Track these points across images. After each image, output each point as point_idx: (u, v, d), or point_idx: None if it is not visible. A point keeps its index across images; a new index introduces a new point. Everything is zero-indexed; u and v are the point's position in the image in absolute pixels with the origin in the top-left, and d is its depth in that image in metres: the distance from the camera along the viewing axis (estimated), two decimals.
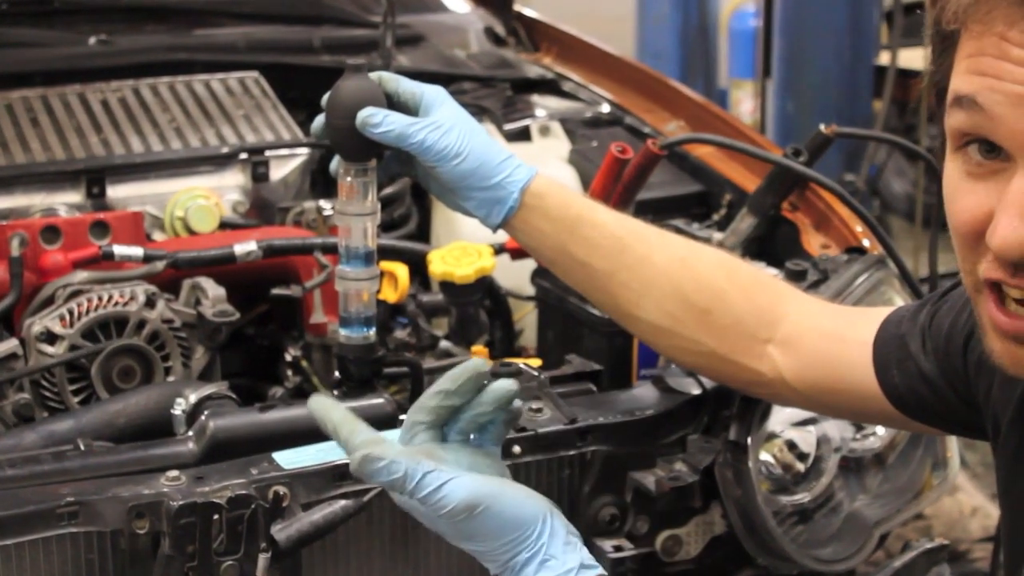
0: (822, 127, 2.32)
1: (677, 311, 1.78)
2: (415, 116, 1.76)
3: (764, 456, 1.99)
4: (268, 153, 2.45)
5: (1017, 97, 1.14)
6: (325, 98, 1.76)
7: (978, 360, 1.51)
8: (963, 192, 1.21)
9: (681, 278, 1.78)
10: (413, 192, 2.58)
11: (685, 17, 6.47)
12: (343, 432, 1.47)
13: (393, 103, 1.77)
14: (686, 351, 1.81)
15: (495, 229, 1.81)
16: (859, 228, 2.29)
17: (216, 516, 1.60)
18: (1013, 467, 1.41)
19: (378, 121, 1.72)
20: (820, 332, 1.73)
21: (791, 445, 2.02)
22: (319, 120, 1.79)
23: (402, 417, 1.84)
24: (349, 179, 1.79)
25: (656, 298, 1.79)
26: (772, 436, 2.00)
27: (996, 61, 1.15)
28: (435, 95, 1.78)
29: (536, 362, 2.04)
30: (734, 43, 6.34)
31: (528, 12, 3.30)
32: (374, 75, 1.78)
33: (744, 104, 6.16)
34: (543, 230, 1.79)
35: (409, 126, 1.73)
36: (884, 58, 5.39)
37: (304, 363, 2.25)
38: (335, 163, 1.80)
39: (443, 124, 1.74)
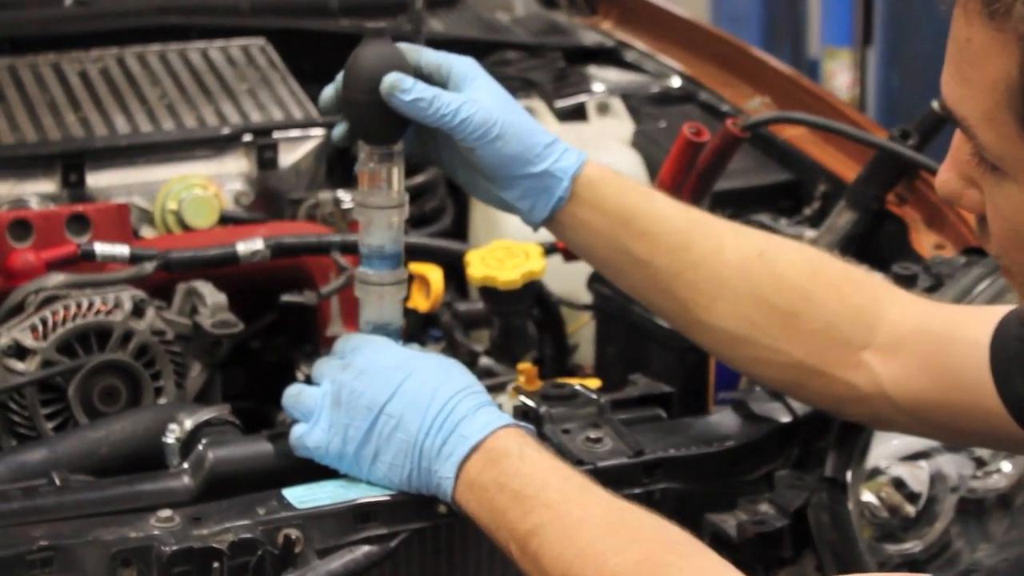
0: (934, 104, 2.31)
1: (755, 316, 1.79)
2: None
3: (867, 496, 1.99)
4: (276, 135, 2.46)
5: None
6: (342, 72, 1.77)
7: None
8: None
9: (759, 277, 1.79)
10: (448, 182, 2.58)
11: None
12: None
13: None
14: (767, 363, 1.82)
15: (537, 226, 1.81)
16: None
17: (216, 564, 1.60)
18: None
19: (408, 87, 1.72)
20: (926, 334, 1.73)
21: (899, 483, 2.02)
22: (328, 91, 1.79)
23: None
24: (372, 165, 1.79)
25: (730, 301, 1.79)
26: (876, 472, 2.01)
27: None
28: (466, 68, 1.79)
29: (595, 383, 2.04)
30: (828, 5, 6.32)
31: None
32: None
33: (840, 77, 6.13)
34: (595, 225, 1.80)
35: (444, 95, 1.73)
36: None
37: None
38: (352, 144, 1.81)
39: (479, 100, 1.75)
